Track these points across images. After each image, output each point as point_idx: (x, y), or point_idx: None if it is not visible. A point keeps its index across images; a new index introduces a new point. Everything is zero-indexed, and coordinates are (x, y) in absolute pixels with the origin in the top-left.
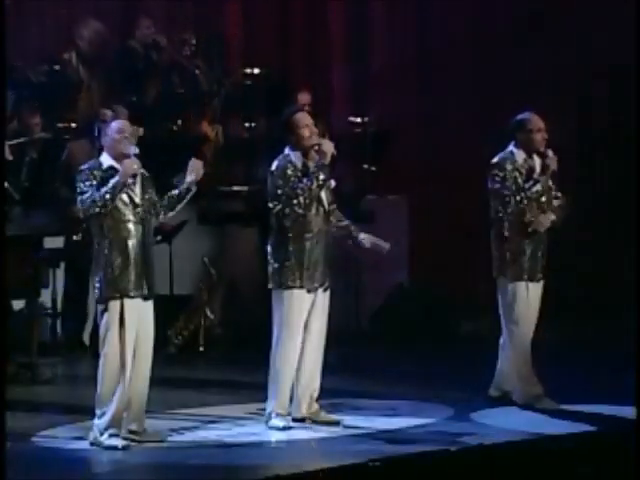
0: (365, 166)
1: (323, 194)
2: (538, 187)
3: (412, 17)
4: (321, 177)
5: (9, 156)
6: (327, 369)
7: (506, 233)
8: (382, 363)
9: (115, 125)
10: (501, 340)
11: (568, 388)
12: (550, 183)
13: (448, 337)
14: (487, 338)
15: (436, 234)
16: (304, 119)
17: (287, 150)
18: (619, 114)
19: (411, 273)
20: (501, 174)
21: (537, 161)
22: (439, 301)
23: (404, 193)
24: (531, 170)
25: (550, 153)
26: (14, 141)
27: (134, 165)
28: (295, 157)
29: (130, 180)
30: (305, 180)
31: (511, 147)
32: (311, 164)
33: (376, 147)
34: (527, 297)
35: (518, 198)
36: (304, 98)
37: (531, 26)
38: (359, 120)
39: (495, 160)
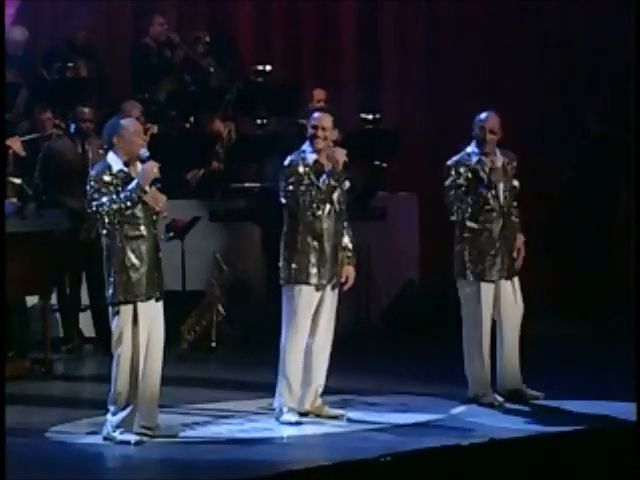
0: (376, 163)
1: (335, 195)
2: (500, 187)
3: (422, 11)
4: (332, 183)
5: (22, 152)
6: (338, 365)
7: (467, 234)
8: (393, 359)
9: (131, 125)
10: (497, 340)
11: (568, 386)
12: (515, 183)
13: (458, 334)
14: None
15: (447, 231)
16: (323, 120)
17: (304, 147)
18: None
19: (422, 270)
20: (458, 173)
21: (500, 160)
22: (450, 298)
23: (415, 190)
24: (490, 169)
25: (510, 153)
26: (27, 137)
27: (154, 169)
28: (309, 155)
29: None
30: (315, 181)
31: (472, 146)
32: (324, 164)
33: (387, 144)
34: (486, 298)
35: (488, 196)
36: (319, 94)
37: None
38: (370, 117)
39: (455, 159)
